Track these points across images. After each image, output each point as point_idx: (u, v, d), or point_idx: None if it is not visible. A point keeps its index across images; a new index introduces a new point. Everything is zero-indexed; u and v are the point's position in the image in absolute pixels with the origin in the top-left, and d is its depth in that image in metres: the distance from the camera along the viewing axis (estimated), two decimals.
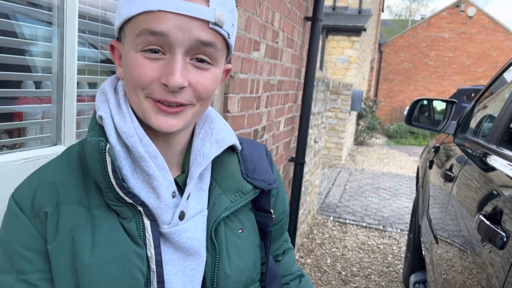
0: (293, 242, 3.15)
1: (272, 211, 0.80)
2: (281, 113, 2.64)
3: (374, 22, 12.17)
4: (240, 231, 0.75)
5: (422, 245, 2.49)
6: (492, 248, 1.15)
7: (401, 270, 3.48)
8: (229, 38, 0.66)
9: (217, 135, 0.74)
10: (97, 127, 0.66)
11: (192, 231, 0.68)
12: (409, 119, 2.60)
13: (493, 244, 1.13)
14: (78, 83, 1.14)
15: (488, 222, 1.19)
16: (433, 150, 2.76)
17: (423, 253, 2.42)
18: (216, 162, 0.75)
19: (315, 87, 3.46)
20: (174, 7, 0.58)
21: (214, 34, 0.62)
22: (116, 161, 0.63)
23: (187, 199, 0.68)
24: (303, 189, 3.54)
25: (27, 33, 1.01)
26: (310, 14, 2.91)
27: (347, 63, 8.79)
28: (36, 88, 1.07)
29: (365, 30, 8.70)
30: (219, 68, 0.67)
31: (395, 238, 4.23)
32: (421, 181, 2.95)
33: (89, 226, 0.64)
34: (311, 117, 3.39)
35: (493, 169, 1.49)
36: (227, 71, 0.75)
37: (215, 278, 0.70)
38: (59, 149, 1.06)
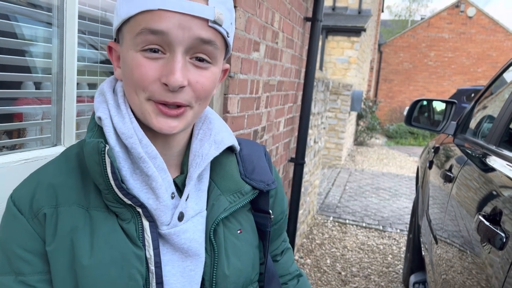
0: (292, 243, 3.15)
1: (270, 211, 0.80)
2: (281, 114, 2.64)
3: (374, 23, 12.17)
4: (238, 231, 0.75)
5: (422, 245, 2.49)
6: (491, 248, 1.15)
7: (401, 271, 3.48)
8: (228, 36, 0.66)
9: (215, 136, 0.74)
10: (96, 128, 0.66)
11: (191, 232, 0.68)
12: (408, 120, 2.60)
13: (493, 245, 1.13)
14: (78, 83, 1.14)
15: (487, 223, 1.19)
16: (432, 150, 2.76)
17: (423, 253, 2.42)
18: (215, 163, 0.75)
19: (315, 87, 3.47)
20: (174, 5, 0.58)
21: (214, 33, 0.63)
22: (115, 162, 0.62)
23: (186, 200, 0.68)
24: (302, 189, 3.54)
25: (27, 34, 1.01)
26: (309, 14, 2.91)
27: (347, 63, 8.79)
28: (36, 89, 1.07)
29: (365, 30, 8.70)
30: (218, 67, 0.67)
31: (394, 239, 4.23)
32: (420, 182, 2.95)
33: (88, 227, 0.64)
34: (311, 117, 3.39)
35: (492, 169, 1.49)
36: (225, 71, 0.75)
37: (214, 279, 0.70)
38: (59, 150, 1.06)
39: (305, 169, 3.52)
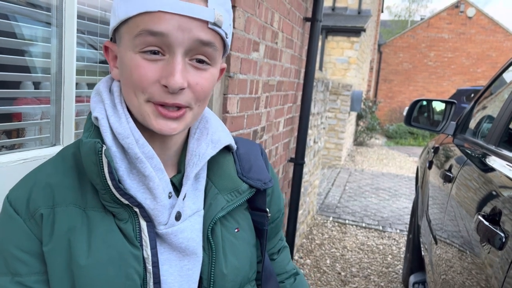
0: (292, 243, 3.15)
1: (268, 210, 0.80)
2: (281, 114, 2.64)
3: (374, 23, 12.17)
4: (236, 230, 0.75)
5: (422, 245, 2.49)
6: (491, 248, 1.15)
7: (401, 271, 3.48)
8: (226, 38, 0.66)
9: (212, 135, 0.74)
10: (93, 128, 0.66)
11: (189, 231, 0.68)
12: (408, 120, 2.60)
13: (492, 245, 1.13)
14: (77, 83, 1.14)
15: (487, 223, 1.19)
16: (432, 150, 2.76)
17: (423, 253, 2.42)
18: (212, 162, 0.75)
19: (315, 87, 3.47)
20: (173, 7, 0.58)
21: (213, 34, 0.62)
22: (112, 162, 0.62)
23: (183, 199, 0.68)
24: (302, 189, 3.54)
25: (26, 34, 1.01)
26: (309, 14, 2.91)
27: (346, 63, 8.79)
28: (35, 88, 1.07)
29: (364, 30, 8.70)
30: (217, 68, 0.67)
31: (394, 239, 4.23)
32: (420, 182, 2.95)
33: (85, 227, 0.64)
34: (310, 117, 3.39)
35: (492, 169, 1.49)
36: (222, 70, 0.75)
37: (212, 278, 0.70)
38: (57, 150, 1.05)
39: (305, 169, 3.52)
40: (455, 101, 2.45)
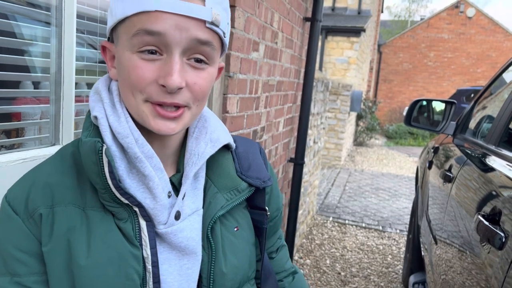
0: (292, 243, 3.15)
1: (267, 208, 0.80)
2: (280, 114, 2.64)
3: (374, 23, 12.18)
4: (235, 229, 0.75)
5: (421, 245, 2.49)
6: (491, 248, 1.15)
7: (401, 271, 3.48)
8: (224, 37, 0.66)
9: (211, 134, 0.73)
10: (92, 127, 0.66)
11: (188, 230, 0.68)
12: (408, 120, 2.60)
13: (492, 245, 1.13)
14: (76, 83, 1.14)
15: (487, 223, 1.19)
16: (432, 150, 2.76)
17: (422, 253, 2.42)
18: (211, 161, 0.75)
19: (315, 87, 3.46)
20: (171, 7, 0.58)
21: (211, 33, 0.62)
22: (113, 162, 0.62)
23: (183, 198, 0.68)
24: (302, 189, 3.54)
25: (25, 34, 1.01)
26: (309, 14, 2.91)
27: (346, 63, 8.79)
28: (34, 88, 1.07)
29: (364, 31, 8.70)
30: (215, 68, 0.67)
31: (394, 239, 4.23)
32: (420, 182, 2.95)
33: (84, 227, 0.64)
34: (310, 117, 3.39)
35: (492, 169, 1.49)
36: (220, 69, 0.74)
37: (212, 277, 0.70)
38: (57, 150, 1.06)
39: (305, 170, 3.52)
40: (455, 101, 2.45)
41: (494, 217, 1.19)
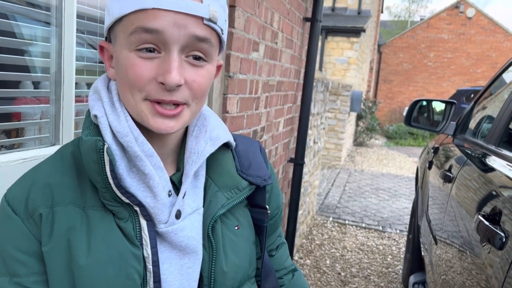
0: (292, 243, 3.14)
1: (267, 207, 0.80)
2: (281, 114, 2.63)
3: (374, 23, 12.18)
4: (236, 228, 0.75)
5: (422, 245, 2.49)
6: (491, 248, 1.14)
7: (401, 271, 3.48)
8: (222, 34, 0.66)
9: (211, 133, 0.73)
10: (92, 126, 0.65)
11: (189, 229, 0.68)
12: (408, 120, 2.60)
13: (492, 245, 1.13)
14: (76, 83, 1.14)
15: (487, 223, 1.19)
16: (432, 151, 2.76)
17: (422, 253, 2.42)
18: (211, 159, 0.75)
19: (315, 88, 3.46)
20: (168, 4, 0.58)
21: (209, 30, 0.62)
22: (114, 160, 0.62)
23: (183, 197, 0.68)
24: (302, 190, 3.54)
25: (25, 33, 1.01)
26: (309, 15, 2.91)
27: (346, 64, 8.80)
28: (34, 88, 1.07)
29: (364, 31, 8.70)
30: (213, 65, 0.67)
31: (394, 239, 4.23)
32: (420, 182, 2.95)
33: (84, 227, 0.63)
34: (310, 118, 3.39)
35: (492, 169, 1.48)
36: (219, 67, 0.74)
37: (212, 276, 0.70)
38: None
39: (305, 170, 3.52)
40: (455, 101, 2.45)
41: (495, 217, 1.19)
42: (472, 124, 2.27)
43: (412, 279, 2.69)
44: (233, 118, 1.84)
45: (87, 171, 0.64)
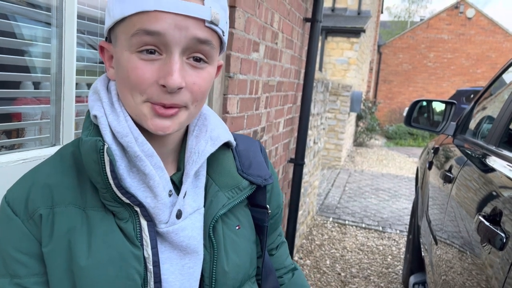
0: (292, 243, 3.14)
1: (268, 206, 0.80)
2: (281, 114, 2.64)
3: (373, 24, 12.18)
4: (237, 227, 0.75)
5: (422, 246, 2.49)
6: (491, 249, 1.14)
7: (401, 271, 3.48)
8: (223, 35, 0.66)
9: (211, 132, 0.73)
10: (92, 127, 0.65)
11: (190, 229, 0.68)
12: (408, 120, 2.60)
13: (493, 245, 1.13)
14: (76, 84, 1.14)
15: (487, 223, 1.19)
16: (432, 151, 2.76)
17: (423, 254, 2.42)
18: (212, 159, 0.75)
19: (315, 88, 3.46)
20: (170, 6, 0.58)
21: (210, 32, 0.62)
22: (114, 161, 0.62)
23: (184, 197, 0.68)
24: (302, 190, 3.54)
25: (26, 34, 1.01)
26: (309, 15, 2.91)
27: (346, 64, 8.80)
28: (34, 88, 1.07)
29: (364, 31, 8.71)
30: (214, 66, 0.67)
31: (394, 239, 4.23)
32: (420, 182, 2.95)
33: (85, 227, 0.63)
34: (310, 118, 3.39)
35: (492, 170, 1.48)
36: (219, 67, 0.74)
37: (214, 276, 0.70)
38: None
39: (305, 170, 3.52)
40: (455, 101, 2.45)
41: (495, 218, 1.19)
42: (472, 125, 2.27)
43: (412, 279, 2.69)
44: (233, 118, 1.84)
45: (87, 172, 0.64)
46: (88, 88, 1.24)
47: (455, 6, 16.53)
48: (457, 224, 1.59)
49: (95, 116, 0.65)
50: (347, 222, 4.62)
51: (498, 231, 1.11)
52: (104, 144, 0.61)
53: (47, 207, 0.63)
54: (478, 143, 1.88)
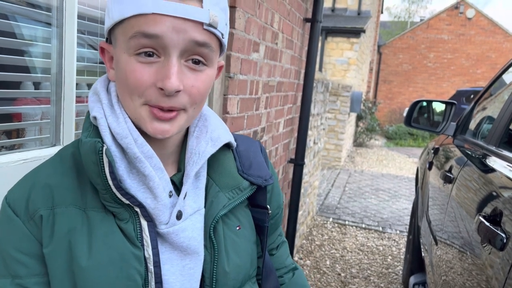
0: (292, 244, 3.14)
1: (268, 206, 0.80)
2: (281, 114, 2.64)
3: (373, 24, 12.19)
4: (237, 228, 0.75)
5: (422, 246, 2.49)
6: (491, 249, 1.14)
7: (401, 272, 3.48)
8: (222, 38, 0.65)
9: (212, 133, 0.73)
10: (92, 128, 0.66)
11: (190, 230, 0.68)
12: (408, 121, 2.60)
13: (493, 246, 1.13)
14: (77, 84, 1.14)
15: (487, 224, 1.19)
16: (432, 151, 2.76)
17: (423, 254, 2.42)
18: (212, 160, 0.75)
19: (315, 88, 3.47)
20: (168, 9, 0.58)
21: (209, 35, 0.62)
22: (113, 162, 0.62)
23: (184, 198, 0.68)
24: (302, 190, 3.54)
25: (26, 34, 1.01)
26: (309, 15, 2.91)
27: (346, 64, 8.80)
28: (35, 89, 1.07)
29: (364, 31, 8.71)
30: (213, 68, 0.67)
31: (394, 240, 4.23)
32: (420, 183, 2.95)
33: (85, 228, 0.63)
34: (310, 118, 3.39)
35: (492, 170, 1.48)
36: (220, 68, 0.74)
37: (214, 276, 0.70)
38: (58, 150, 1.06)
39: (305, 170, 3.52)
40: (455, 102, 2.45)
41: (495, 218, 1.19)
42: (472, 125, 2.27)
43: (412, 280, 2.69)
44: (233, 118, 1.84)
45: (87, 173, 0.64)
46: (89, 89, 1.23)
47: (455, 7, 16.53)
48: (457, 224, 1.59)
49: (95, 118, 0.65)
50: (347, 222, 4.62)
51: (499, 232, 1.11)
52: (103, 146, 0.61)
53: (47, 208, 0.63)
54: (478, 144, 1.88)
